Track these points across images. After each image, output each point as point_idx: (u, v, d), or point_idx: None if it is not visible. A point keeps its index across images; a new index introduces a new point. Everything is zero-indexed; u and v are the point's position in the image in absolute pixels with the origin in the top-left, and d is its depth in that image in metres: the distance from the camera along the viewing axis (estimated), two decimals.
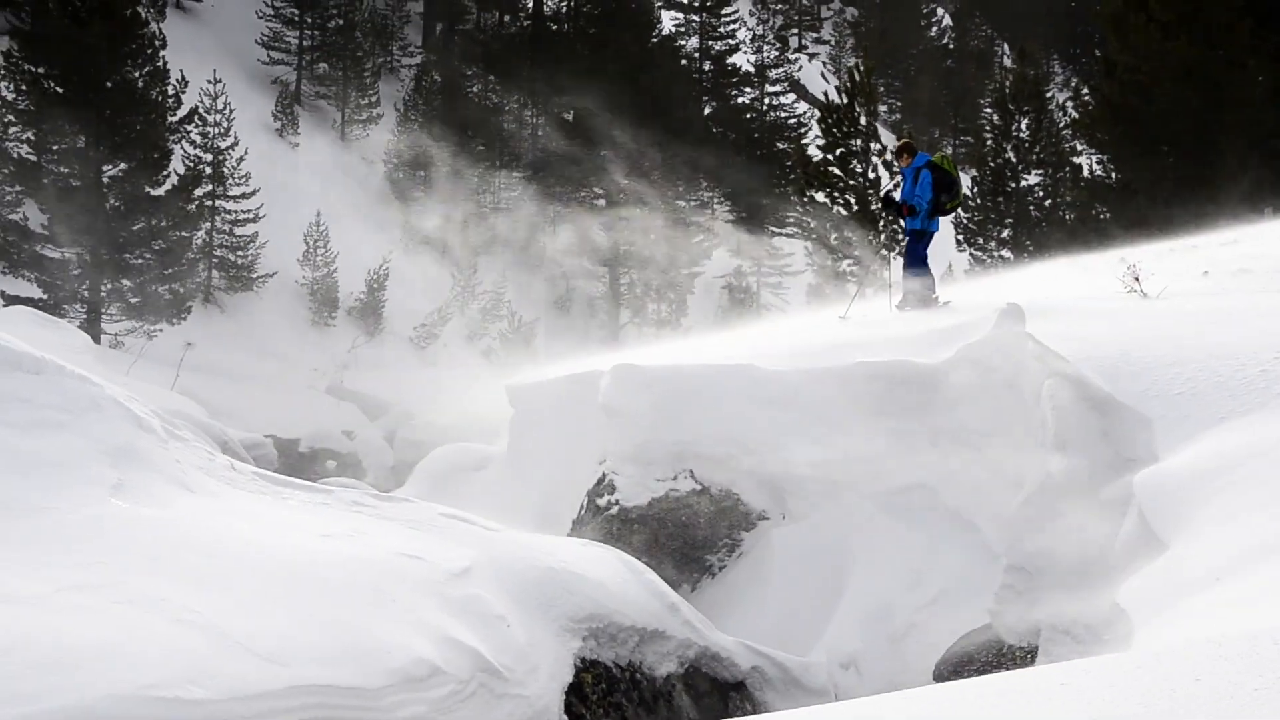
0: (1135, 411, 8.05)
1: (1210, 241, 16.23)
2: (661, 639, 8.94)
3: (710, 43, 61.66)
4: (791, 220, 43.37)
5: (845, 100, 33.82)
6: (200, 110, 38.38)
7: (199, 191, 36.72)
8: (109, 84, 32.43)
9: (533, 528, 11.42)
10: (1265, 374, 7.61)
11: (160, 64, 33.78)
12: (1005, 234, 37.23)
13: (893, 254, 26.90)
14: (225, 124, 39.58)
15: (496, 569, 8.02)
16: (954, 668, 9.59)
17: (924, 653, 10.45)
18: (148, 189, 33.25)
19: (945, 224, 22.91)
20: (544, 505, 14.09)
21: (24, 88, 31.90)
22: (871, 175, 33.37)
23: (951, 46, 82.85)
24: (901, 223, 15.74)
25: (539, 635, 7.79)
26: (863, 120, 33.68)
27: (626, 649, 8.61)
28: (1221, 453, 6.69)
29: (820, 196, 33.50)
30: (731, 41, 61.64)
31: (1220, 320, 9.62)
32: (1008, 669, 8.06)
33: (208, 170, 38.51)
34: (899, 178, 15.79)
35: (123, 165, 32.78)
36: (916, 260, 15.45)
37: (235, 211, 39.79)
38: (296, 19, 50.96)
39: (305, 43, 51.53)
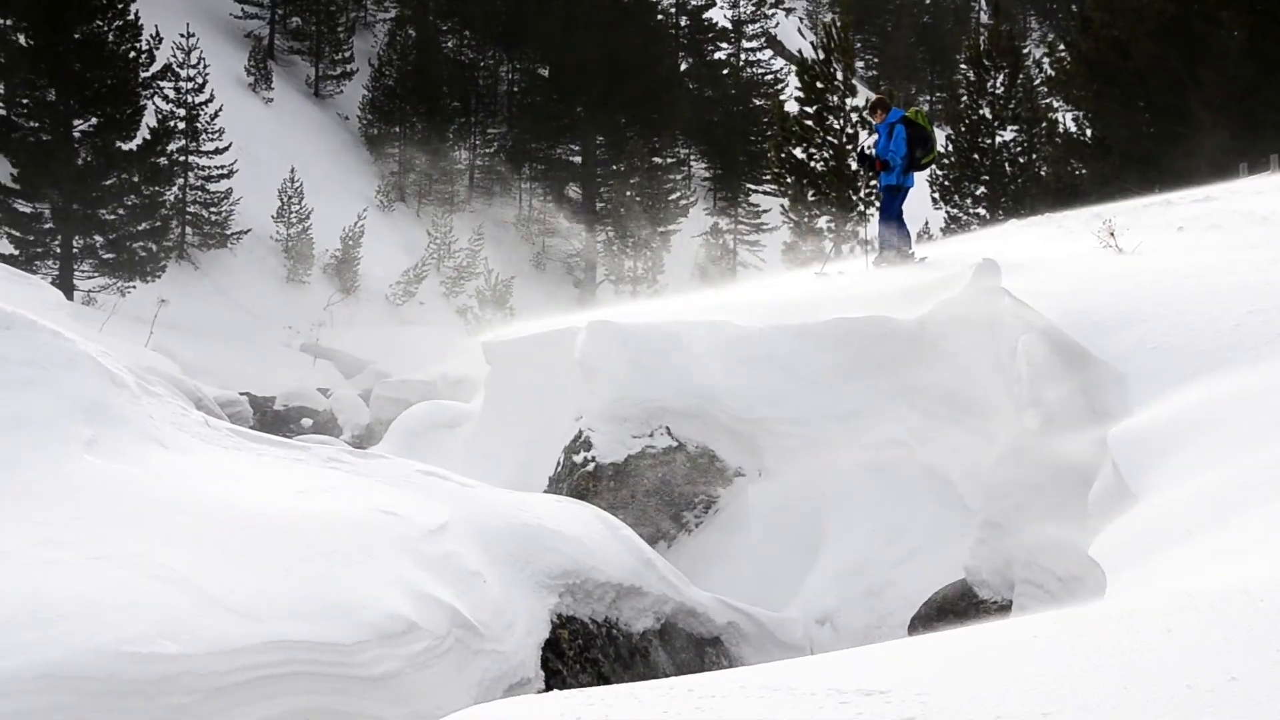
0: (1110, 366, 8.07)
1: (1185, 197, 16.21)
2: (638, 595, 8.97)
3: None
4: (768, 177, 43.30)
5: (822, 56, 33.67)
6: (173, 66, 37.99)
7: (172, 147, 36.41)
8: (78, 37, 32.05)
9: (509, 485, 11.39)
10: (1239, 328, 7.63)
11: (131, 18, 33.40)
12: (981, 191, 37.21)
13: (869, 210, 26.87)
14: (200, 79, 39.21)
15: (473, 525, 8.01)
16: (928, 622, 9.65)
17: (899, 608, 10.52)
18: (119, 144, 32.97)
19: (921, 181, 22.89)
20: (520, 462, 14.09)
21: None
22: (849, 132, 33.26)
23: (928, 2, 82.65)
24: (877, 178, 15.73)
25: (515, 591, 7.79)
26: (839, 76, 33.54)
27: (603, 605, 8.63)
28: (1195, 406, 6.72)
29: (798, 153, 33.40)
30: None
31: (1194, 275, 9.63)
32: (982, 622, 8.11)
33: (180, 125, 38.18)
34: (875, 134, 15.77)
35: (94, 120, 32.48)
36: (892, 216, 15.44)
37: (209, 168, 39.51)
38: None
39: None
